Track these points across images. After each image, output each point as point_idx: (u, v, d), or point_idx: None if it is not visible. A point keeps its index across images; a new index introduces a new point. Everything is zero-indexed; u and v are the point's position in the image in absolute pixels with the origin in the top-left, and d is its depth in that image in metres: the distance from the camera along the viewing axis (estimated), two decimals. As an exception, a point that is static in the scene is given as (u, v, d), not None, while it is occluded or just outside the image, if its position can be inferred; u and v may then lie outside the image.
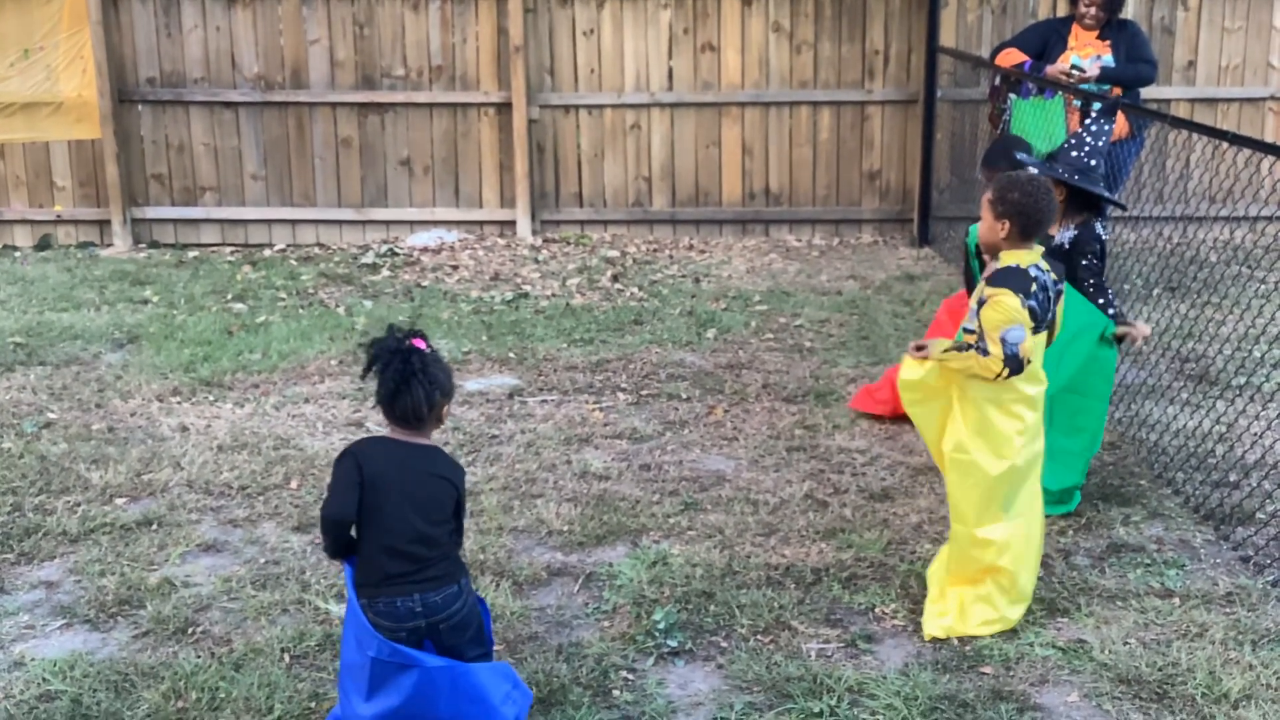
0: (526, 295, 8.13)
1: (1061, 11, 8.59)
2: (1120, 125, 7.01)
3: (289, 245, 9.61)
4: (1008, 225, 4.00)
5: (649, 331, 7.33)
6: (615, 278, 8.59)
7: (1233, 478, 5.14)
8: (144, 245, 9.58)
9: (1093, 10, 6.98)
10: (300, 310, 7.80)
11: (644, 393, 6.30)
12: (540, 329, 7.35)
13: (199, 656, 3.90)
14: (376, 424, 5.83)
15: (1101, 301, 4.77)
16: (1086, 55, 7.00)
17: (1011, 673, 3.82)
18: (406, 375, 3.18)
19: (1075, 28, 7.13)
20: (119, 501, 5.03)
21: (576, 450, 5.55)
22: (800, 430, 5.78)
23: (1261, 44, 9.48)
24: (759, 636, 4.02)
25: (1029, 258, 4.01)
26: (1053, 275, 4.08)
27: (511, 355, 6.89)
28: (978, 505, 3.99)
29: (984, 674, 3.81)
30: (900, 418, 5.89)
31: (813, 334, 7.31)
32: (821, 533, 4.74)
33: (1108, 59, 7.00)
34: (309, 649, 3.94)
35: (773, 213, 9.70)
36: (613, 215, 9.70)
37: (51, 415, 5.97)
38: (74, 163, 9.53)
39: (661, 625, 4.03)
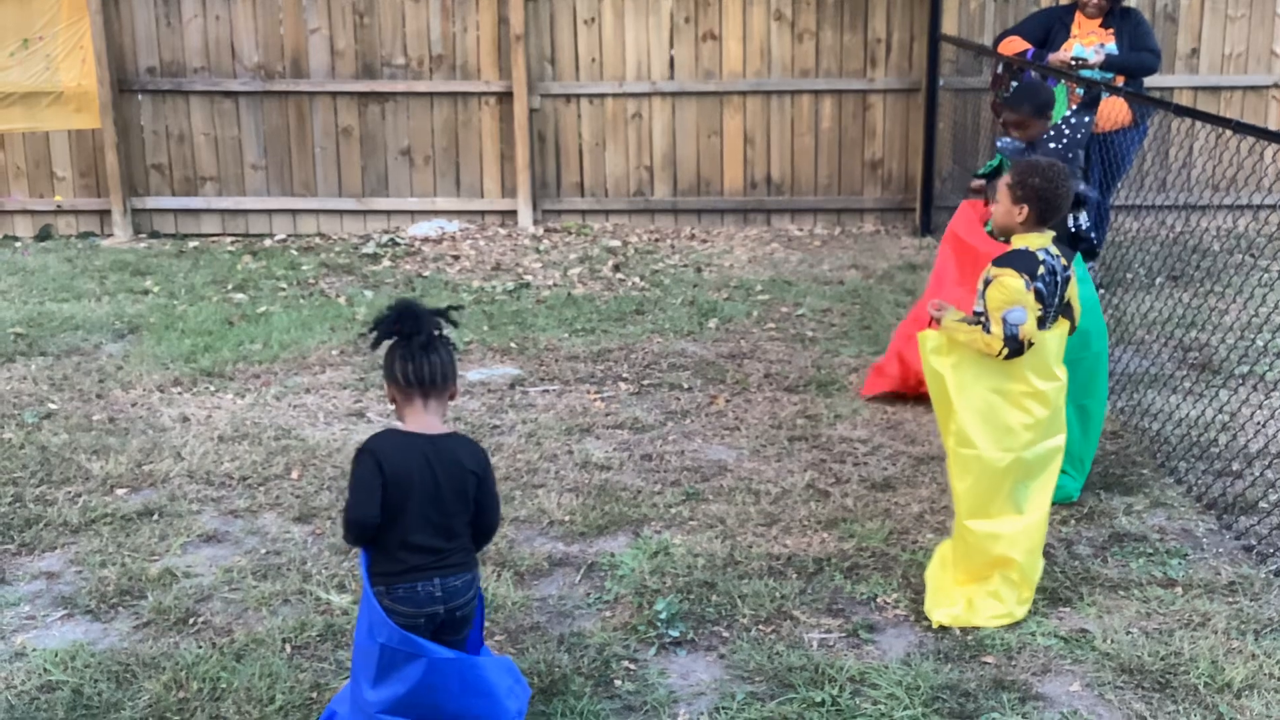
0: (528, 285, 8.12)
1: (1064, -1, 8.56)
2: (1123, 114, 6.99)
3: (290, 235, 9.60)
4: (1025, 210, 4.02)
5: (650, 321, 7.32)
6: (617, 267, 8.57)
7: (1235, 467, 5.13)
8: (144, 235, 9.57)
9: (1095, -2, 6.96)
10: (301, 300, 7.79)
11: (645, 382, 6.29)
12: (542, 319, 7.34)
13: (200, 647, 3.90)
14: (378, 414, 5.82)
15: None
16: (1089, 43, 6.98)
17: (1013, 662, 3.81)
18: (430, 336, 3.12)
19: (1078, 16, 7.11)
20: (120, 492, 5.03)
21: (578, 440, 5.54)
22: (802, 420, 5.77)
23: (1265, 32, 9.44)
24: (761, 626, 4.01)
25: (1039, 241, 4.02)
26: (1062, 260, 4.08)
27: (513, 345, 6.88)
28: (983, 498, 3.98)
29: (986, 664, 3.81)
30: (907, 398, 5.90)
31: (814, 323, 7.30)
32: (823, 522, 4.74)
33: (1111, 47, 6.98)
34: (310, 639, 3.94)
35: (774, 202, 9.68)
36: (614, 205, 9.69)
37: (52, 406, 5.96)
38: (74, 153, 9.52)
39: (663, 615, 4.03)
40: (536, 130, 9.51)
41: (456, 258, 8.85)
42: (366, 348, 3.32)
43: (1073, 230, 4.80)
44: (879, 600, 4.18)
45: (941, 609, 4.03)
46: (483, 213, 9.66)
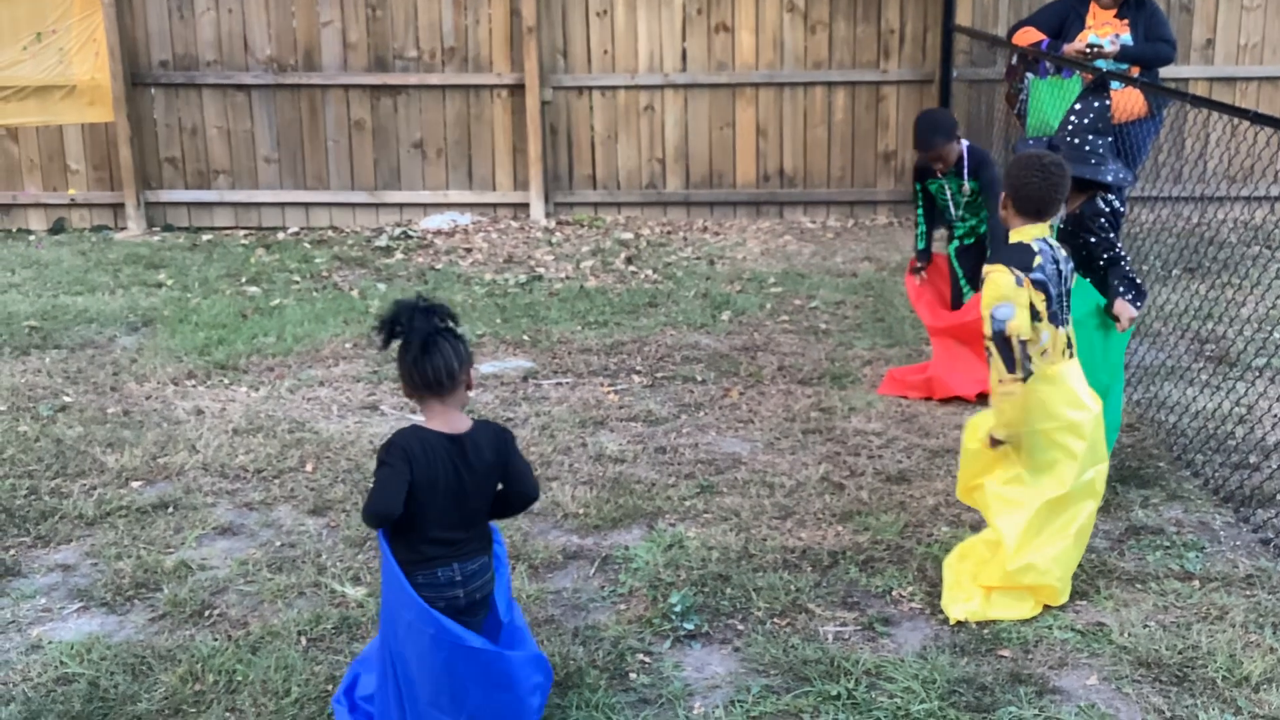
0: (540, 278, 8.11)
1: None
2: (1138, 105, 6.95)
3: (302, 228, 9.61)
4: (1008, 201, 4.03)
5: (663, 314, 7.31)
6: (629, 260, 8.56)
7: (1253, 459, 5.10)
8: (158, 229, 9.59)
9: (1111, -12, 6.91)
10: (314, 293, 7.80)
11: (659, 375, 6.28)
12: (554, 312, 7.33)
13: (216, 639, 3.90)
14: (392, 407, 5.82)
15: (1115, 282, 4.70)
16: (1105, 34, 6.94)
17: (1030, 656, 3.80)
18: (433, 331, 3.08)
19: (1093, 6, 7.06)
20: (135, 485, 5.04)
21: (591, 433, 5.54)
22: (816, 412, 5.75)
23: (1281, 22, 9.39)
24: (776, 619, 4.00)
25: (1034, 233, 4.00)
26: (1062, 251, 4.06)
27: (526, 338, 6.87)
28: (1021, 538, 3.97)
29: (1002, 657, 3.79)
30: (928, 399, 5.89)
31: (828, 316, 7.28)
32: (838, 515, 4.72)
33: (1126, 38, 6.93)
34: (325, 631, 3.94)
35: (787, 194, 9.66)
36: (626, 197, 9.68)
37: (67, 398, 5.97)
38: (87, 146, 9.54)
39: (678, 608, 4.02)
40: (549, 123, 9.50)
41: (469, 250, 8.85)
42: (377, 348, 3.30)
43: (1106, 209, 4.74)
44: (894, 593, 4.17)
45: (958, 604, 4.01)
46: (495, 205, 9.65)
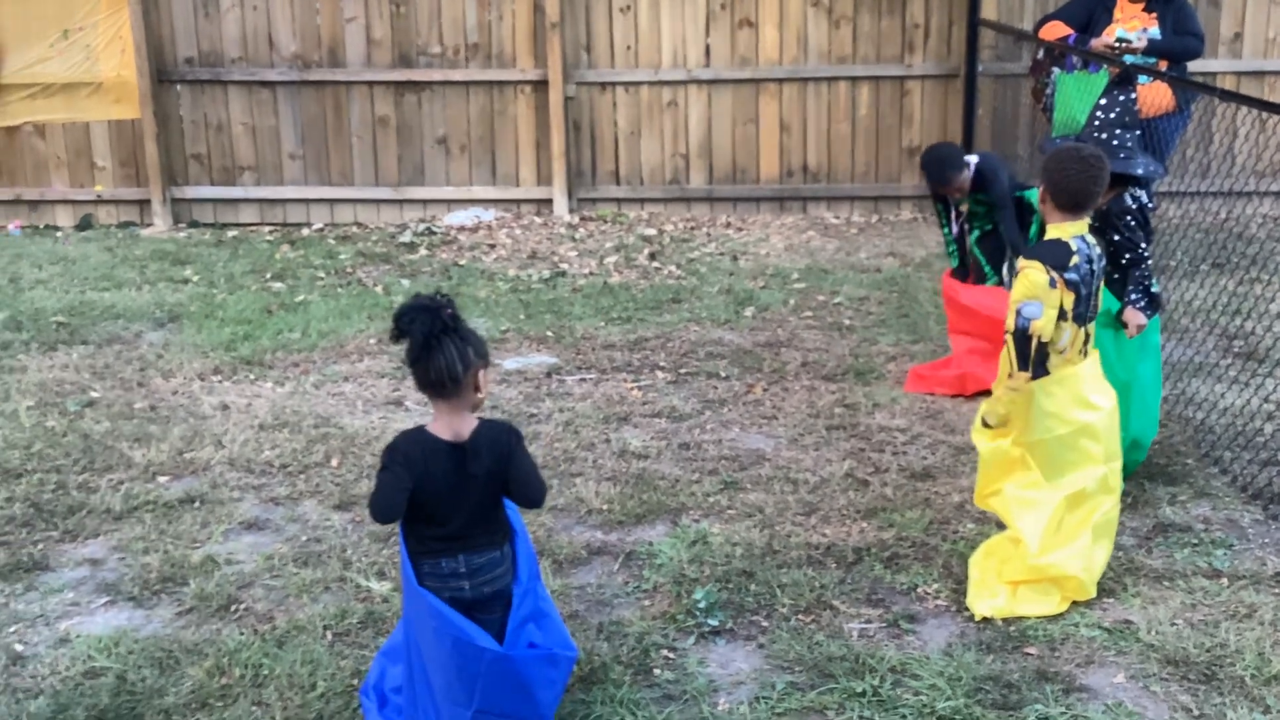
0: (564, 273, 8.12)
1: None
2: (1166, 99, 6.89)
3: (327, 224, 9.64)
4: (1045, 195, 4.01)
5: (687, 310, 7.30)
6: (652, 256, 8.55)
7: (1281, 457, 5.06)
8: (184, 225, 9.64)
9: (1139, -18, 6.86)
10: (339, 289, 7.82)
11: (682, 371, 6.27)
12: (578, 307, 7.33)
13: (242, 633, 3.92)
14: (416, 403, 5.84)
15: (1129, 287, 4.65)
16: (1132, 28, 6.89)
17: (1057, 653, 3.78)
18: (436, 331, 3.03)
19: (1120, 0, 7.01)
20: (161, 479, 5.07)
21: (615, 429, 5.54)
22: (840, 409, 5.74)
23: (1310, 15, 9.30)
24: (800, 616, 3.99)
25: (1072, 229, 3.98)
26: (1097, 249, 4.03)
27: (549, 334, 6.88)
28: (1044, 535, 3.96)
29: (1029, 655, 3.77)
30: (957, 396, 5.87)
31: (852, 312, 7.26)
32: (862, 512, 4.71)
33: (1154, 31, 6.88)
34: (351, 626, 3.95)
35: (811, 190, 9.64)
36: (650, 193, 9.67)
37: (94, 394, 6.01)
38: (114, 143, 9.59)
39: (702, 604, 4.01)
40: (572, 118, 9.50)
41: (492, 246, 8.86)
42: (395, 345, 3.29)
43: (1134, 206, 4.70)
44: (919, 590, 4.15)
45: (984, 601, 4.00)
46: (518, 201, 9.66)
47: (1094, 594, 4.06)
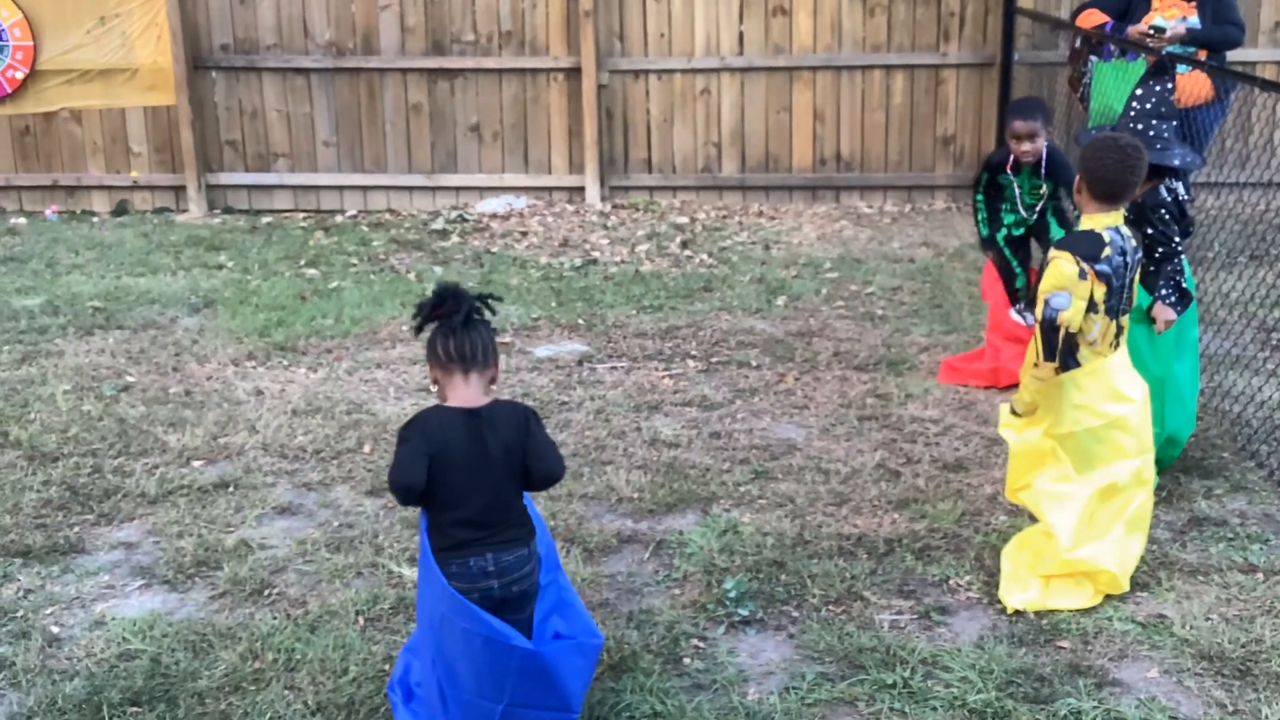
0: (595, 261, 8.12)
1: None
2: (1204, 88, 6.81)
3: (360, 211, 9.67)
4: (1081, 185, 3.97)
5: (719, 298, 7.29)
6: (684, 244, 8.54)
7: (1319, 451, 5.01)
8: (218, 211, 9.69)
9: (1178, -30, 6.78)
10: (372, 276, 7.85)
11: (714, 360, 6.26)
12: (609, 295, 7.33)
13: (275, 618, 3.95)
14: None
15: (1160, 282, 4.60)
16: (1171, 16, 6.80)
17: (1089, 647, 3.76)
18: (469, 313, 3.17)
19: (1160, -13, 6.93)
20: (196, 464, 5.11)
21: (646, 417, 5.54)
22: (872, 399, 5.71)
23: (1353, 4, 9.17)
24: (831, 607, 3.99)
25: (1106, 221, 3.94)
26: (1132, 241, 3.99)
27: (581, 322, 6.88)
28: (1075, 530, 3.94)
29: (1061, 648, 3.75)
30: (990, 388, 5.84)
31: (884, 302, 7.23)
32: (894, 503, 4.69)
33: (1193, 20, 6.80)
34: (382, 611, 3.98)
35: (844, 179, 9.59)
36: (682, 181, 9.65)
37: (130, 378, 6.06)
38: (149, 129, 9.65)
39: (732, 594, 4.01)
40: (605, 106, 9.49)
41: (524, 234, 8.87)
42: (413, 334, 3.35)
43: (1168, 199, 4.64)
44: (951, 582, 4.13)
45: (1016, 594, 3.98)
46: (550, 189, 9.66)
47: (1127, 588, 4.03)
